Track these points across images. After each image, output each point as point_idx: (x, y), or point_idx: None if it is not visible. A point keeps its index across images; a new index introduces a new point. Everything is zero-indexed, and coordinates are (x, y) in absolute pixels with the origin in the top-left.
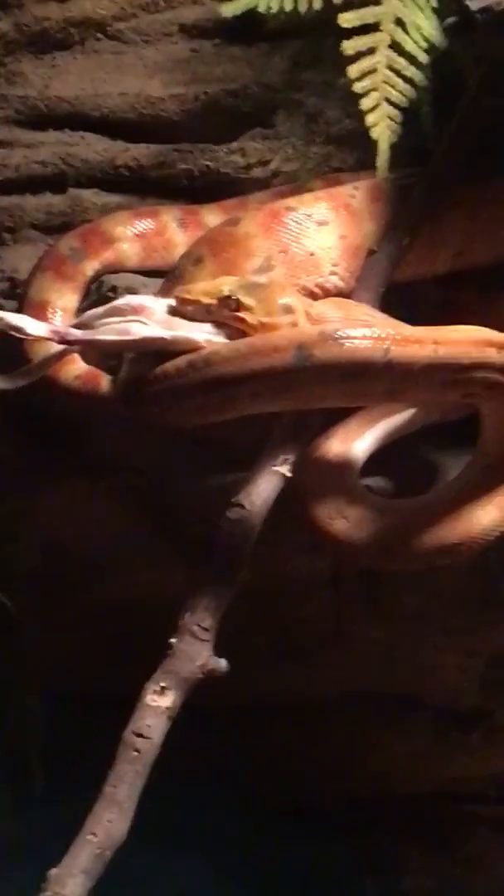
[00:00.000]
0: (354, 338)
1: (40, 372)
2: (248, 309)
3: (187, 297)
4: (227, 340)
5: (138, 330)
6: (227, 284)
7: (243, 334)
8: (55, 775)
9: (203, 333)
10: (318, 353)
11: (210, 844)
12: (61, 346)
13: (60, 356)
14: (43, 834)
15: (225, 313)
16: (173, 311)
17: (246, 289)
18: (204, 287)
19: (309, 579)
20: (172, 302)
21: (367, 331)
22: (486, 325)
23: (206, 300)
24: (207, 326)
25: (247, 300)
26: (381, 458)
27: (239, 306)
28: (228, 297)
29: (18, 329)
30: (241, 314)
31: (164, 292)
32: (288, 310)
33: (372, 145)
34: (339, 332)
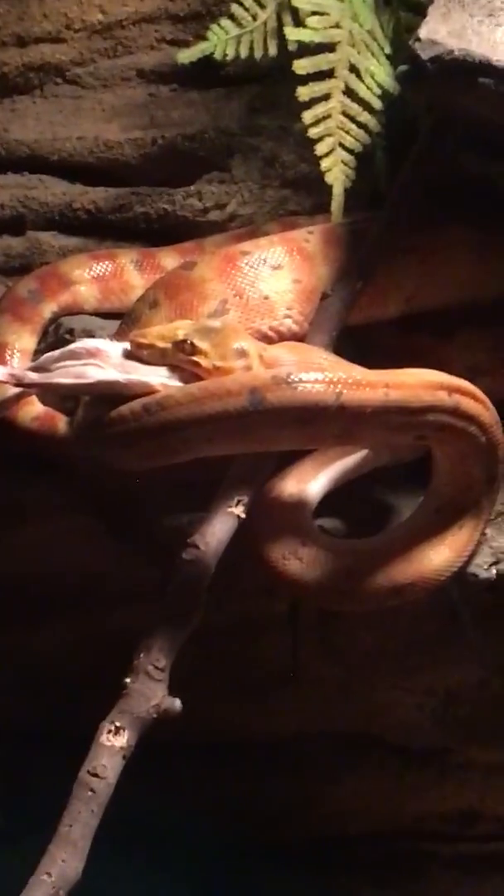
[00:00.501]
0: (307, 382)
1: None
2: (202, 353)
3: (143, 340)
4: (181, 384)
5: (94, 373)
6: (181, 328)
7: (198, 378)
8: (6, 813)
9: (158, 377)
10: (271, 397)
11: (167, 877)
12: (18, 389)
13: (17, 399)
14: None
15: (180, 357)
16: (129, 355)
17: (201, 333)
18: (159, 331)
19: (265, 619)
20: (128, 345)
21: (319, 374)
22: (437, 369)
23: (161, 344)
24: (163, 370)
25: (201, 344)
26: (334, 499)
27: (194, 350)
28: (183, 341)
29: None
30: (195, 358)
31: (120, 335)
32: (242, 354)
33: (327, 189)
34: (291, 376)
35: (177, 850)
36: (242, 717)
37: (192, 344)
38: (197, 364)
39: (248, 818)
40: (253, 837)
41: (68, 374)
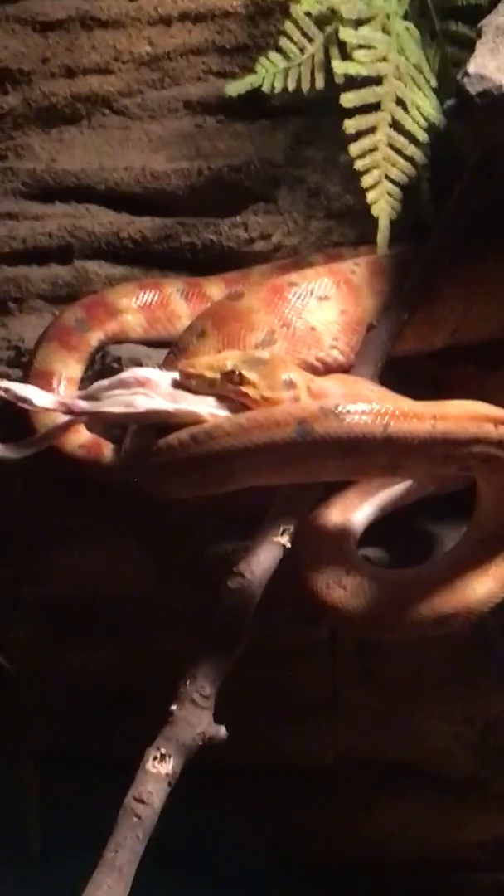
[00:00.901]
0: (354, 413)
1: (47, 442)
2: (250, 384)
3: (191, 370)
4: (229, 414)
5: (143, 402)
6: (230, 359)
7: (246, 408)
8: (51, 838)
9: (206, 407)
10: (319, 428)
11: None
12: (67, 417)
13: (66, 427)
14: None
15: (228, 387)
16: (177, 384)
17: (249, 363)
18: (208, 361)
19: (306, 647)
20: (177, 375)
21: (366, 406)
22: (482, 401)
23: (209, 374)
24: (211, 400)
25: (250, 375)
26: (379, 529)
27: (242, 381)
28: (232, 372)
29: (25, 400)
30: (243, 389)
31: (168, 365)
32: (290, 385)
33: (372, 221)
34: (339, 408)
35: (214, 875)
36: (281, 743)
37: (240, 374)
38: (245, 395)
39: (285, 844)
40: (290, 863)
41: (118, 402)
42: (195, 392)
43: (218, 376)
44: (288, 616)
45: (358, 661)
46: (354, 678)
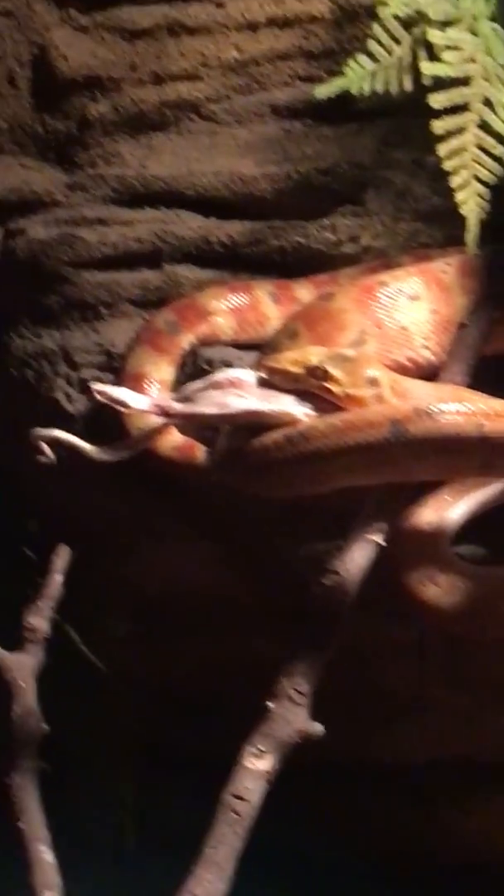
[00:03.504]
0: (448, 413)
1: (142, 445)
2: (334, 380)
3: (275, 365)
4: (322, 416)
5: (237, 403)
6: (315, 355)
7: (330, 404)
8: (146, 836)
9: (300, 407)
10: (413, 429)
11: None
12: (162, 420)
13: (160, 429)
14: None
15: (312, 383)
16: (262, 381)
17: (334, 360)
18: (293, 356)
19: (395, 646)
20: (263, 374)
21: (460, 406)
22: None
23: (293, 369)
24: (301, 400)
25: (334, 371)
26: (473, 527)
27: (326, 377)
28: (316, 368)
29: (120, 402)
30: (327, 385)
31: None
32: (373, 382)
33: (460, 222)
34: (432, 408)
35: (304, 877)
36: (371, 742)
37: (324, 370)
38: (328, 390)
39: (375, 846)
40: (380, 865)
41: (211, 403)
42: (278, 387)
43: (302, 371)
44: (378, 615)
45: (449, 661)
46: (445, 677)
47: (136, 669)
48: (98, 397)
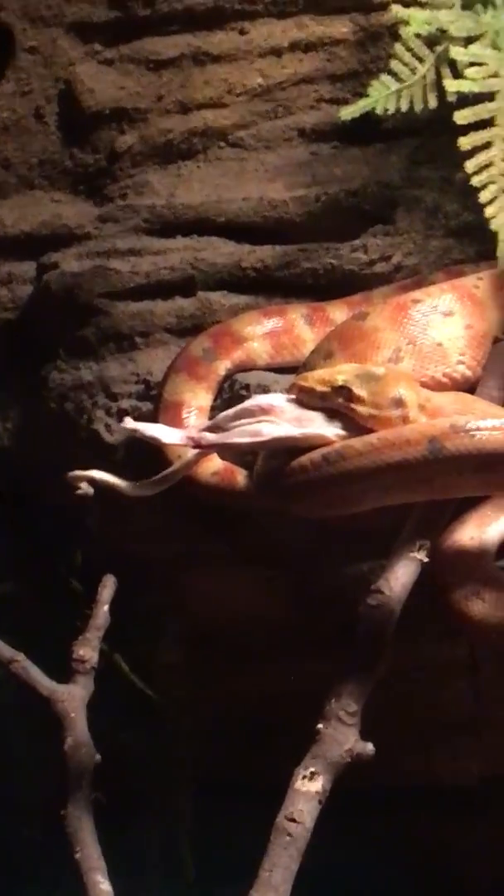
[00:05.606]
0: (485, 429)
1: (177, 477)
2: (359, 400)
3: (304, 384)
4: (359, 434)
5: (269, 430)
6: (342, 374)
7: (361, 425)
8: (204, 865)
9: (330, 427)
10: (450, 446)
11: None
12: (197, 450)
13: (196, 460)
14: None
15: (338, 402)
16: (293, 402)
17: (361, 379)
18: (320, 375)
19: (447, 664)
20: (293, 394)
21: (497, 422)
22: None
23: (320, 388)
24: (330, 420)
25: (359, 391)
26: None
27: (351, 396)
28: (342, 387)
29: (154, 438)
30: (352, 405)
31: None
32: (399, 403)
33: (491, 237)
34: (469, 424)
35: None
36: (427, 762)
37: (349, 390)
38: (353, 410)
39: (436, 862)
40: (440, 883)
41: (244, 433)
42: (306, 406)
43: (328, 390)
44: (428, 635)
45: (499, 678)
46: (496, 695)
47: (188, 696)
48: (133, 434)
